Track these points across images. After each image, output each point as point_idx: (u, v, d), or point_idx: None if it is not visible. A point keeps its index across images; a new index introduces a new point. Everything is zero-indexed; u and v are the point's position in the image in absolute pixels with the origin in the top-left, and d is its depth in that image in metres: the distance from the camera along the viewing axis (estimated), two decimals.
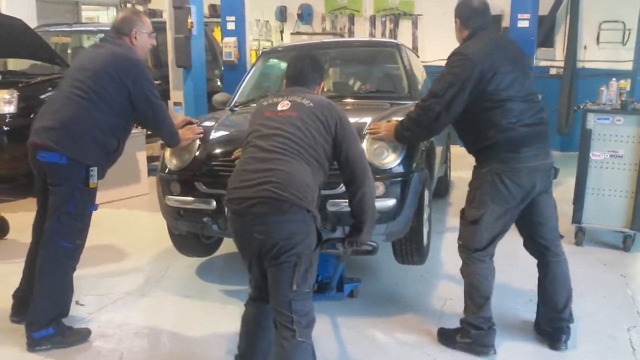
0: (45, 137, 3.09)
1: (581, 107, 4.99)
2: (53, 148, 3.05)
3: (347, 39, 9.30)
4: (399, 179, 3.51)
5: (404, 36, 9.62)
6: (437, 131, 3.38)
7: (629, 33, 8.49)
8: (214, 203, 3.51)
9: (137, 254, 4.69)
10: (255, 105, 3.29)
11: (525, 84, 3.10)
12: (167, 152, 3.77)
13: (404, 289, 4.03)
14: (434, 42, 9.22)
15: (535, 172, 3.05)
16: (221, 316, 3.57)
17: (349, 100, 4.67)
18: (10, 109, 5.92)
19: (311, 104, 2.72)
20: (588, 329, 3.43)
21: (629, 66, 7.56)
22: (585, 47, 8.91)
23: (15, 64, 7.42)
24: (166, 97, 6.76)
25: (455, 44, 3.25)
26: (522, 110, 3.02)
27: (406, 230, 3.70)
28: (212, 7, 10.01)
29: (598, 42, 8.84)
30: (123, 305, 3.77)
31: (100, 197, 3.31)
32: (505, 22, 8.85)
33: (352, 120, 3.68)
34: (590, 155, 4.64)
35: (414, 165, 3.61)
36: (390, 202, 3.47)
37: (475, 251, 3.12)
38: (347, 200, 2.92)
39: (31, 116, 5.79)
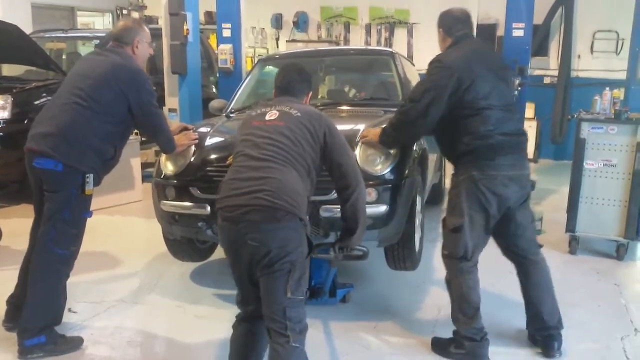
0: (42, 144, 3.08)
1: (575, 116, 5.01)
2: (49, 154, 3.05)
3: (342, 47, 9.34)
4: (391, 185, 3.55)
5: (399, 44, 9.65)
6: (416, 135, 3.43)
7: (623, 43, 8.55)
8: (209, 208, 3.52)
9: (130, 260, 4.67)
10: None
11: (505, 93, 3.15)
12: (163, 158, 3.80)
13: (397, 295, 4.03)
14: (429, 50, 9.17)
15: (510, 182, 3.07)
16: (215, 322, 3.56)
17: (344, 107, 4.72)
18: (4, 114, 5.89)
19: (299, 114, 2.75)
20: (582, 338, 3.43)
21: (622, 75, 7.60)
22: (579, 57, 8.97)
23: (9, 70, 7.41)
24: (161, 103, 6.75)
25: None
26: (500, 119, 3.06)
27: (398, 236, 3.74)
28: (208, 14, 10.01)
29: (592, 51, 8.90)
30: (116, 313, 3.75)
31: (94, 203, 3.29)
32: (500, 31, 8.90)
33: (346, 127, 3.81)
34: (584, 164, 4.66)
35: (406, 172, 3.65)
36: (382, 208, 3.51)
37: (462, 260, 3.12)
38: (339, 206, 2.94)
39: (25, 122, 5.77)
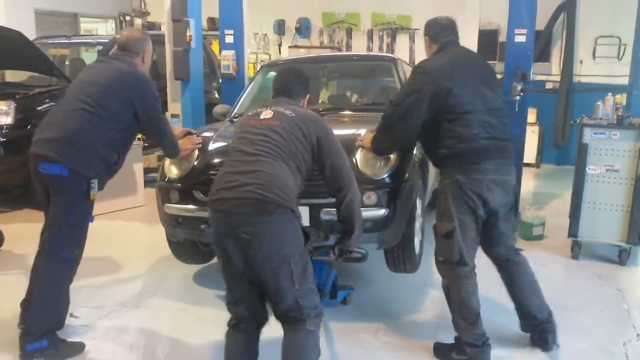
0: (47, 149, 3.10)
1: (578, 121, 5.01)
2: (55, 159, 3.07)
3: (345, 53, 9.36)
4: (390, 189, 3.60)
5: (401, 50, 9.66)
6: (400, 139, 3.43)
7: (625, 48, 8.55)
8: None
9: (132, 264, 4.68)
10: None
11: (490, 98, 3.18)
12: (167, 162, 3.88)
13: (398, 298, 4.05)
14: None
15: (495, 186, 3.09)
16: (218, 324, 3.48)
17: (346, 112, 4.76)
18: (7, 120, 5.90)
19: (293, 114, 2.80)
20: (584, 342, 3.43)
21: (624, 81, 7.58)
22: (581, 62, 8.96)
23: (12, 76, 7.43)
24: (164, 109, 6.76)
25: None
26: (485, 123, 3.09)
27: (398, 239, 3.78)
28: (211, 20, 10.03)
29: (594, 57, 8.90)
30: (118, 317, 3.75)
31: (96, 208, 3.31)
32: (502, 37, 8.91)
33: (347, 131, 3.88)
34: (587, 169, 4.65)
35: (406, 175, 3.70)
36: (382, 211, 3.56)
37: (459, 265, 3.12)
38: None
39: (28, 127, 5.79)
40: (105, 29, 12.27)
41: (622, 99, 5.04)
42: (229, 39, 6.99)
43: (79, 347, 3.29)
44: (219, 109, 5.05)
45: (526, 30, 5.54)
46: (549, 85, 9.14)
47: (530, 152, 8.47)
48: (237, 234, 2.53)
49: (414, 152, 3.89)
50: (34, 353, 3.12)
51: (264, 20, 10.22)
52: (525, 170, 5.94)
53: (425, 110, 3.10)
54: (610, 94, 4.94)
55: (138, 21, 10.96)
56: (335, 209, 3.17)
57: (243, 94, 5.27)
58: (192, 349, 3.34)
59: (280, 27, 10.60)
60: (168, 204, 3.81)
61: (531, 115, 8.40)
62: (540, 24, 8.27)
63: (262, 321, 2.75)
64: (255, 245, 2.51)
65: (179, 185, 3.78)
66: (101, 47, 7.64)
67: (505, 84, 5.68)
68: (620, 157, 4.58)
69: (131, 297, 4.08)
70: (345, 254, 2.95)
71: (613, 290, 4.24)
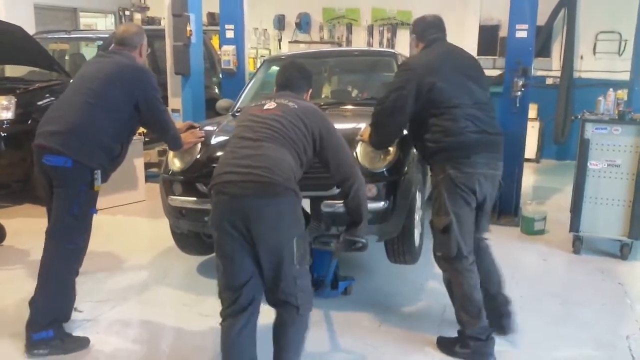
0: (51, 140, 3.13)
1: (579, 117, 5.02)
2: (59, 151, 3.09)
3: (346, 48, 9.35)
4: (390, 181, 3.65)
5: (402, 45, 9.63)
6: (390, 135, 3.45)
7: (625, 44, 8.56)
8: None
9: (134, 259, 4.68)
10: None
11: (476, 93, 3.21)
12: (170, 155, 3.93)
13: (400, 290, 4.07)
14: None
15: (486, 180, 3.13)
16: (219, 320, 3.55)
17: (347, 107, 4.77)
18: (8, 115, 5.90)
19: (296, 107, 2.85)
20: (587, 337, 3.44)
21: (625, 76, 7.61)
22: (581, 58, 8.96)
23: (12, 71, 7.41)
24: (164, 104, 6.74)
25: None
26: (472, 117, 3.12)
27: (398, 231, 3.83)
28: (211, 15, 10.02)
29: (594, 52, 8.90)
30: (121, 311, 3.75)
31: (97, 203, 3.31)
32: (503, 32, 8.91)
33: (348, 125, 3.93)
34: (588, 164, 4.66)
35: (406, 169, 3.74)
36: (383, 203, 3.61)
37: (458, 259, 3.13)
38: (340, 202, 3.11)
39: (29, 122, 5.79)
40: (104, 24, 12.24)
41: (623, 94, 5.04)
42: (230, 34, 6.97)
43: (84, 342, 3.29)
44: (222, 103, 5.08)
45: (527, 25, 5.52)
46: (549, 81, 9.15)
47: (530, 148, 8.47)
48: (242, 215, 2.56)
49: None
50: (40, 343, 3.14)
51: (264, 15, 10.20)
52: (525, 165, 5.93)
53: (411, 106, 3.15)
54: (611, 89, 4.94)
55: (137, 16, 10.92)
56: (335, 202, 3.26)
57: (245, 88, 5.31)
58: (195, 344, 3.35)
59: (280, 22, 10.59)
60: (172, 196, 3.87)
61: (532, 111, 8.38)
62: (541, 19, 8.24)
63: (257, 305, 2.72)
64: (261, 226, 2.55)
65: (183, 177, 3.84)
66: (101, 42, 7.63)
67: (507, 80, 5.67)
68: (621, 152, 4.59)
69: (134, 291, 4.09)
70: (352, 242, 3.02)
71: (615, 285, 4.25)
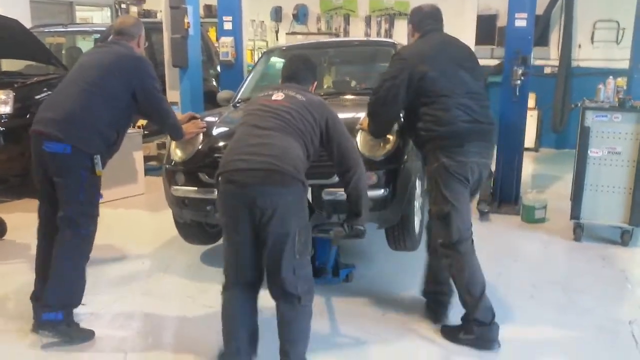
0: (50, 127, 3.17)
1: (579, 104, 5.02)
2: (58, 138, 3.13)
3: (346, 38, 9.32)
4: (390, 169, 3.69)
5: (399, 36, 9.58)
6: (386, 124, 3.50)
7: (623, 32, 8.54)
8: (216, 192, 3.58)
9: (136, 253, 4.67)
10: None
11: (470, 83, 3.23)
12: (172, 145, 3.97)
13: (402, 277, 4.10)
14: None
15: (478, 169, 3.17)
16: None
17: (347, 97, 4.78)
18: (6, 109, 5.88)
19: (304, 99, 2.90)
20: (590, 323, 3.45)
21: (623, 65, 7.61)
22: (579, 46, 8.94)
23: (9, 65, 7.37)
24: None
25: None
26: (464, 107, 3.15)
27: (398, 218, 3.87)
28: (207, 7, 9.99)
29: (592, 41, 8.88)
30: (125, 304, 3.76)
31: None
32: (501, 22, 8.90)
33: (349, 115, 3.95)
34: (589, 152, 4.66)
35: (405, 157, 3.77)
36: (383, 191, 3.65)
37: (459, 243, 3.15)
38: (341, 189, 3.14)
39: (27, 117, 5.76)
40: (100, 17, 12.18)
41: (622, 82, 5.05)
42: (228, 26, 6.95)
43: (89, 334, 3.31)
44: (222, 94, 5.10)
45: (526, 14, 5.51)
46: (547, 70, 9.12)
47: (529, 137, 8.43)
48: (251, 203, 2.59)
49: None
50: (48, 324, 3.17)
51: (261, 7, 10.15)
52: (524, 154, 5.93)
53: (404, 95, 3.19)
54: (611, 77, 4.95)
55: (134, 9, 10.86)
56: (335, 189, 3.35)
57: (246, 79, 5.33)
58: (199, 336, 3.34)
59: (277, 14, 10.55)
60: (174, 186, 3.92)
61: (530, 100, 8.31)
62: (539, 8, 8.23)
63: (261, 280, 2.81)
64: (268, 215, 2.59)
65: (185, 168, 3.88)
66: (98, 35, 7.59)
67: (506, 69, 5.67)
68: (622, 140, 4.59)
69: (137, 283, 4.10)
70: (351, 230, 3.09)
71: (616, 271, 4.26)
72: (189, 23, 6.48)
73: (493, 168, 5.68)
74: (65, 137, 3.13)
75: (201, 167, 3.81)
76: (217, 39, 8.02)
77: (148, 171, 6.80)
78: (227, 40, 6.95)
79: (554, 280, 4.10)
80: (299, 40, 9.30)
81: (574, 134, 8.20)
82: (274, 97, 2.92)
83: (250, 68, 6.85)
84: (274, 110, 2.82)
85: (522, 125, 5.76)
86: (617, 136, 4.60)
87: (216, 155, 3.74)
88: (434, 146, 3.17)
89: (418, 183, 4.12)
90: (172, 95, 6.87)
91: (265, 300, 2.83)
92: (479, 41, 9.06)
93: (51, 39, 8.00)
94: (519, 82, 5.52)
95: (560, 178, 6.95)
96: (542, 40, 9.01)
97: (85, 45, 8.39)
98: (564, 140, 8.98)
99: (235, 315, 2.79)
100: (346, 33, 10.23)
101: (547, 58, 9.18)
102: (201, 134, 3.91)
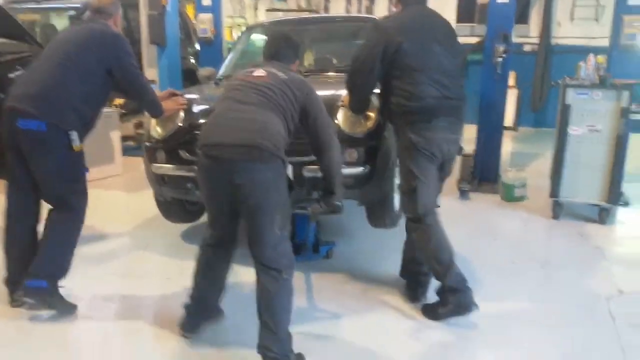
0: (24, 103, 3.12)
1: (559, 82, 5.02)
2: (33, 114, 3.09)
3: (328, 15, 9.22)
4: (371, 146, 3.68)
5: (380, 13, 9.55)
6: (361, 96, 3.45)
7: (603, 10, 8.57)
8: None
9: (115, 234, 4.62)
10: None
11: (443, 58, 3.21)
12: (153, 122, 3.92)
13: (381, 253, 4.13)
14: None
15: (447, 144, 3.19)
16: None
17: (330, 74, 4.71)
18: None
19: (285, 77, 2.91)
20: (568, 300, 3.49)
21: (602, 43, 7.63)
22: (559, 24, 8.96)
23: None
24: None
25: None
26: (436, 83, 3.14)
27: (378, 195, 3.87)
28: None
29: (572, 18, 8.90)
30: (104, 285, 3.71)
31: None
32: None
33: (329, 92, 3.90)
34: (569, 130, 4.68)
35: (386, 134, 3.75)
36: (363, 168, 3.65)
37: (425, 215, 3.19)
38: None
39: (0, 96, 5.62)
40: None
41: (602, 59, 5.06)
42: (206, 1, 6.85)
43: (72, 307, 3.33)
44: (204, 71, 5.04)
45: None
46: (527, 48, 9.14)
47: (508, 115, 8.45)
48: (229, 179, 2.62)
49: None
50: (31, 290, 3.19)
51: None
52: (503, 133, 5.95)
53: (379, 66, 3.17)
54: (592, 54, 4.95)
55: None
56: (317, 166, 3.30)
57: (229, 56, 5.29)
58: (178, 316, 3.31)
59: None
60: (154, 164, 3.89)
61: (510, 79, 8.40)
62: None
63: (235, 246, 2.98)
64: (247, 191, 2.62)
65: (165, 145, 3.85)
66: (73, 12, 7.42)
67: (487, 46, 5.65)
68: (602, 118, 4.61)
69: (117, 266, 4.06)
70: (327, 206, 3.13)
71: (593, 249, 4.31)
72: None
73: (473, 147, 5.75)
74: (40, 114, 3.09)
75: (181, 145, 3.77)
76: (196, 16, 7.90)
77: (126, 151, 6.71)
78: (206, 16, 6.85)
79: (532, 257, 4.14)
80: (279, 17, 9.19)
81: (552, 113, 8.25)
82: (255, 74, 2.92)
83: (230, 45, 6.76)
84: (255, 86, 2.84)
85: (502, 104, 5.78)
86: (597, 114, 4.62)
87: (197, 132, 3.65)
88: (404, 121, 3.19)
89: (398, 160, 4.11)
90: (150, 73, 6.75)
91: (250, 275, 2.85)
92: (460, 19, 9.07)
93: (24, 16, 7.78)
94: (500, 59, 5.51)
95: (539, 156, 7.01)
96: (522, 17, 9.03)
97: (60, 22, 8.19)
98: (542, 119, 9.05)
99: (205, 271, 2.96)
100: (327, 10, 10.13)
101: (527, 36, 9.20)
102: (182, 111, 3.86)
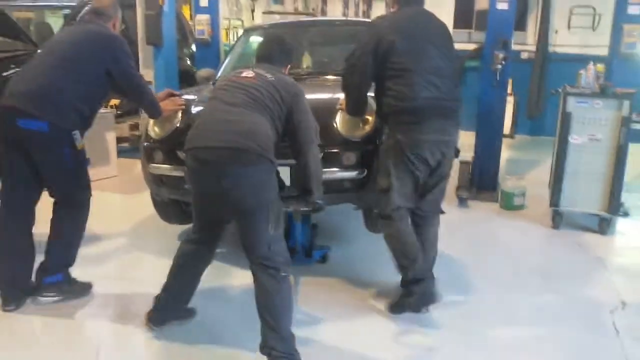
0: (25, 103, 3.11)
1: (559, 90, 5.00)
2: (34, 115, 3.08)
3: (327, 18, 9.18)
4: (369, 150, 3.66)
5: None
6: (356, 97, 3.42)
7: (600, 18, 8.57)
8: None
9: (112, 237, 4.53)
10: None
11: (437, 60, 3.20)
12: (151, 122, 3.92)
13: (378, 258, 4.00)
14: None
15: (437, 146, 3.16)
16: (199, 296, 3.47)
17: (329, 77, 4.67)
18: None
19: (273, 79, 2.91)
20: (570, 313, 3.44)
21: (598, 51, 7.60)
22: (556, 32, 8.95)
23: None
24: None
25: None
26: (428, 84, 3.13)
27: (375, 199, 3.75)
28: None
29: (569, 26, 8.89)
30: (100, 288, 3.62)
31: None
32: (478, 5, 8.87)
33: (327, 95, 3.93)
34: (570, 139, 4.65)
35: (384, 137, 3.70)
36: (360, 172, 3.62)
37: (392, 212, 3.21)
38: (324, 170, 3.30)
39: None
40: None
41: (601, 68, 5.03)
42: (204, 2, 6.76)
43: (88, 287, 3.52)
44: (202, 72, 5.00)
45: None
46: (524, 55, 9.11)
47: (505, 123, 8.47)
48: (218, 182, 2.62)
49: None
50: (51, 287, 3.35)
51: None
52: None
53: (372, 64, 3.17)
54: (592, 62, 4.93)
55: None
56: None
57: (227, 58, 5.26)
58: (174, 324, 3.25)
59: None
60: (152, 164, 3.87)
61: None
62: None
63: (216, 244, 3.01)
64: (236, 193, 2.62)
65: (163, 145, 3.84)
66: (67, 10, 7.33)
67: (486, 53, 5.61)
68: (602, 127, 4.58)
69: (112, 267, 4.02)
70: (307, 204, 3.13)
71: (594, 259, 4.27)
72: None
73: (471, 154, 5.71)
74: (41, 114, 3.08)
75: (179, 145, 3.68)
76: (191, 17, 7.83)
77: (121, 153, 6.62)
78: (203, 18, 6.76)
79: (533, 267, 4.11)
80: (276, 19, 9.15)
81: (549, 121, 8.25)
82: (243, 74, 2.94)
83: (226, 47, 6.69)
84: (242, 87, 2.84)
85: (502, 111, 5.75)
86: (598, 123, 4.58)
87: None
88: (394, 121, 3.20)
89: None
90: (146, 74, 6.66)
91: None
92: (457, 25, 9.05)
93: (18, 14, 7.70)
94: (499, 66, 5.48)
95: (536, 164, 6.98)
96: (519, 25, 8.98)
97: (55, 21, 8.11)
98: (539, 127, 9.00)
99: (182, 269, 2.97)
100: (324, 13, 10.09)
101: (524, 43, 9.18)
102: (180, 112, 3.85)
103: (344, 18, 8.48)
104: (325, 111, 3.71)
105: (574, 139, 4.65)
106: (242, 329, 3.10)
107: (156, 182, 3.94)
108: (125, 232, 4.66)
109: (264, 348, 2.68)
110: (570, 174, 4.72)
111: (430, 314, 3.32)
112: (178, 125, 3.82)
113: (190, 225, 4.31)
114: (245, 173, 2.60)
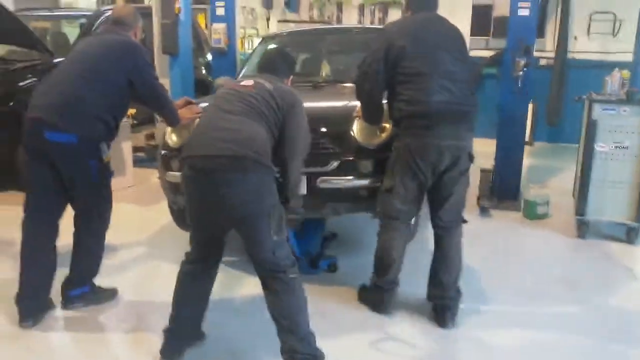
0: (52, 115, 3.09)
1: (584, 97, 4.89)
2: (61, 127, 3.08)
3: (344, 25, 9.13)
4: (385, 158, 3.57)
5: None
6: (370, 100, 3.40)
7: (620, 24, 8.44)
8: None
9: (129, 248, 4.48)
10: None
11: (449, 64, 3.18)
12: (168, 130, 3.96)
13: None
14: None
15: (446, 150, 3.11)
16: (216, 312, 3.40)
17: (346, 84, 4.57)
18: None
19: (271, 87, 2.90)
20: (597, 323, 3.34)
21: (619, 57, 7.50)
22: (575, 38, 8.83)
23: None
24: None
25: None
26: (441, 88, 3.10)
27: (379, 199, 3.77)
28: None
29: (589, 33, 8.77)
30: (118, 297, 3.61)
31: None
32: (496, 12, 8.78)
33: (344, 103, 3.92)
34: (596, 146, 4.53)
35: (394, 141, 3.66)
36: (377, 179, 3.56)
37: (391, 219, 3.26)
38: (337, 178, 3.52)
39: (11, 104, 5.53)
40: (86, 1, 11.84)
41: (627, 74, 4.93)
42: (220, 11, 6.72)
43: (113, 293, 3.60)
44: (220, 81, 4.95)
45: (529, 3, 5.36)
46: (543, 62, 8.99)
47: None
48: (216, 191, 2.59)
49: None
50: (76, 298, 3.41)
51: None
52: None
53: (383, 70, 3.18)
54: (617, 69, 4.83)
55: None
56: (331, 177, 3.56)
57: (245, 67, 5.24)
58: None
59: (268, 1, 10.35)
60: (169, 172, 3.87)
61: None
62: None
63: (218, 261, 2.93)
64: (236, 202, 2.59)
65: (180, 153, 3.72)
66: (84, 20, 7.32)
67: (507, 59, 5.50)
68: (629, 134, 4.48)
69: (130, 277, 3.97)
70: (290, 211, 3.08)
71: (623, 269, 4.16)
72: (180, 8, 6.28)
73: (492, 162, 5.60)
74: (70, 127, 3.09)
75: None
76: (207, 26, 7.80)
77: (136, 163, 6.58)
78: (220, 26, 6.72)
79: (560, 278, 3.99)
80: (291, 28, 9.12)
81: (569, 128, 8.13)
82: (242, 83, 2.96)
83: (242, 56, 6.64)
84: (240, 95, 2.85)
85: (523, 118, 5.62)
86: (625, 130, 4.48)
87: None
88: (405, 125, 3.18)
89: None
90: (162, 83, 6.64)
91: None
92: (474, 32, 8.95)
93: (35, 23, 7.71)
94: (521, 73, 5.37)
95: (558, 172, 6.85)
96: (538, 31, 8.86)
97: (71, 30, 8.10)
98: (558, 134, 8.87)
99: (186, 292, 2.88)
100: (339, 21, 10.05)
101: (543, 50, 9.06)
102: (197, 120, 3.75)
103: (361, 26, 8.42)
104: (342, 119, 3.72)
105: (600, 146, 4.54)
106: (262, 340, 3.01)
107: (173, 190, 3.92)
108: (142, 241, 4.62)
109: (285, 352, 2.67)
110: (597, 182, 4.61)
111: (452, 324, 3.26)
112: None
113: None
114: (244, 180, 2.58)
